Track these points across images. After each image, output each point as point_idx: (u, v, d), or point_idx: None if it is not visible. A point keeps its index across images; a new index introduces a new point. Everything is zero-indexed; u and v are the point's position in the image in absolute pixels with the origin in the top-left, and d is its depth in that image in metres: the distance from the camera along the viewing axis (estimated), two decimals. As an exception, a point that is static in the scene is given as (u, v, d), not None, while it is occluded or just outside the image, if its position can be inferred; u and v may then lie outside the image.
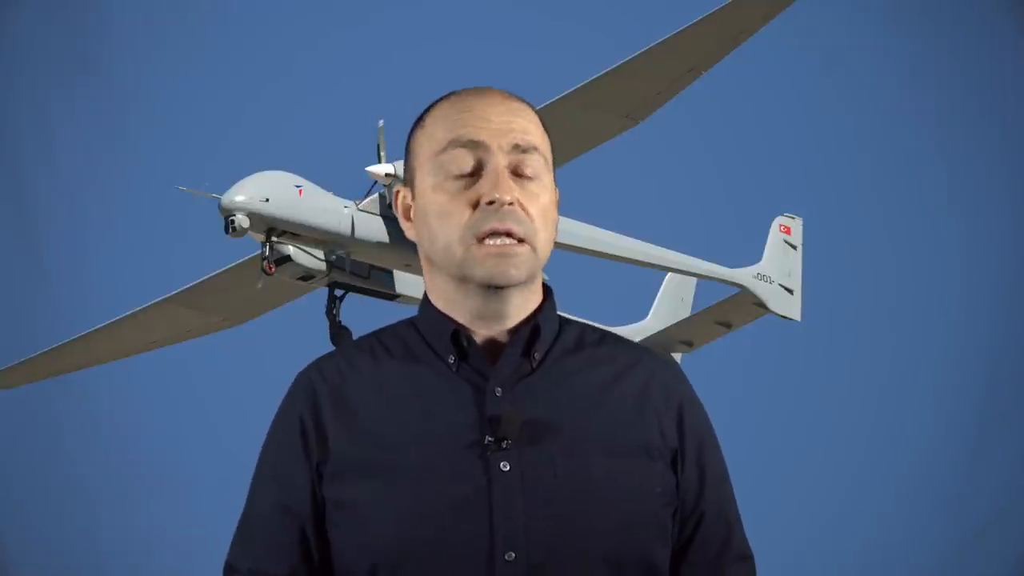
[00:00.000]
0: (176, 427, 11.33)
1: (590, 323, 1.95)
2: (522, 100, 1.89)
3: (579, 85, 10.15)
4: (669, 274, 13.77)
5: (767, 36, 9.86)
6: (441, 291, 1.87)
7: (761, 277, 13.23)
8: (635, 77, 10.05)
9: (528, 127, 1.85)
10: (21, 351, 11.43)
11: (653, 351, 1.93)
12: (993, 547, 10.92)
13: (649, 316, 14.22)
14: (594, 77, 10.10)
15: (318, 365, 1.88)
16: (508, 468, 1.78)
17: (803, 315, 13.33)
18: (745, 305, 13.23)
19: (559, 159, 12.08)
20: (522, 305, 1.85)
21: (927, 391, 11.82)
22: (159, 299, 11.32)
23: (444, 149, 1.83)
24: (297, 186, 10.37)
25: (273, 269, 10.46)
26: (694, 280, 13.97)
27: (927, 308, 12.17)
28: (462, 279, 1.83)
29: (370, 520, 1.79)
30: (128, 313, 11.37)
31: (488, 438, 1.78)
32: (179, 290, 11.26)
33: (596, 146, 10.69)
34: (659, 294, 14.36)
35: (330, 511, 1.82)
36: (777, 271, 13.40)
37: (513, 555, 1.76)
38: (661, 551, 1.84)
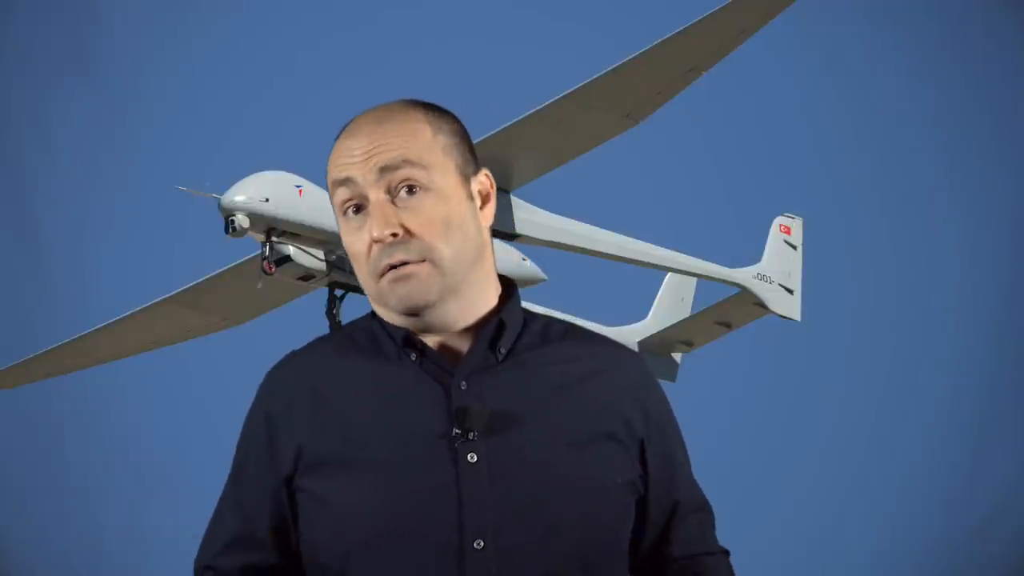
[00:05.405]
0: (176, 427, 11.34)
1: (555, 316, 1.98)
2: (406, 109, 1.87)
3: (579, 85, 10.15)
4: (669, 274, 13.77)
5: (767, 36, 9.86)
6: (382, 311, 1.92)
7: (761, 277, 13.23)
8: (635, 77, 10.05)
9: (393, 142, 1.84)
10: (21, 351, 11.44)
11: (617, 343, 1.95)
12: (993, 547, 10.92)
13: (649, 316, 14.22)
14: (594, 77, 10.10)
15: (290, 361, 1.91)
16: (475, 459, 1.82)
17: (803, 315, 13.34)
18: (745, 305, 13.23)
19: (559, 159, 12.06)
20: (464, 310, 1.87)
21: (927, 391, 11.83)
22: (159, 299, 11.32)
23: (333, 192, 1.87)
24: (297, 186, 10.37)
25: (273, 269, 10.46)
26: (694, 280, 13.96)
27: (927, 308, 12.18)
28: (387, 308, 1.87)
29: (342, 512, 1.83)
30: (128, 313, 11.37)
31: (455, 430, 1.82)
32: (179, 290, 11.26)
33: (596, 146, 10.69)
34: (659, 294, 14.35)
35: (302, 504, 1.86)
36: (777, 271, 13.40)
37: (481, 543, 1.80)
38: (623, 536, 1.89)
